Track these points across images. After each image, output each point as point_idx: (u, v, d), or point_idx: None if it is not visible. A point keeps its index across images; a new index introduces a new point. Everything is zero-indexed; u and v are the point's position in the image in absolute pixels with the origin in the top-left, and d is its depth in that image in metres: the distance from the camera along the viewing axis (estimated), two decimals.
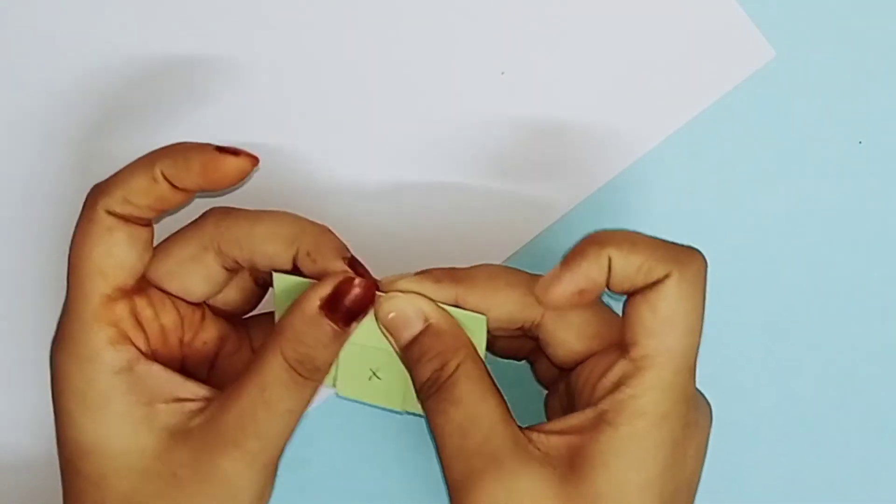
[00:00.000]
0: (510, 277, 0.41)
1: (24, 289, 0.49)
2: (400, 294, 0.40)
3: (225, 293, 0.43)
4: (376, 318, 0.40)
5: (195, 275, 0.41)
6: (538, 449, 0.38)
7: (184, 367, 0.42)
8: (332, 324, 0.39)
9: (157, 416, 0.39)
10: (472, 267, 0.41)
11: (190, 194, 0.40)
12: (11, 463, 0.49)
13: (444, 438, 0.39)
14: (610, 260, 0.38)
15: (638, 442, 0.37)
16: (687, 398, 0.38)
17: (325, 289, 0.39)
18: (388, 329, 0.40)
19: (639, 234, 0.39)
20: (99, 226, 0.39)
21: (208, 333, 0.43)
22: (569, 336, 0.40)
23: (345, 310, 0.39)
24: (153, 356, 0.41)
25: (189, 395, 0.40)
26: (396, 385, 0.42)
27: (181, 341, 0.42)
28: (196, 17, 0.48)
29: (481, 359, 0.40)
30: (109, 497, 0.39)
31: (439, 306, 0.40)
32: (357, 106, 0.48)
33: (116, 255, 0.40)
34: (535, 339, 0.41)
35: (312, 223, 0.41)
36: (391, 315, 0.40)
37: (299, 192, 0.47)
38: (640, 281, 0.38)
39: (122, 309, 0.40)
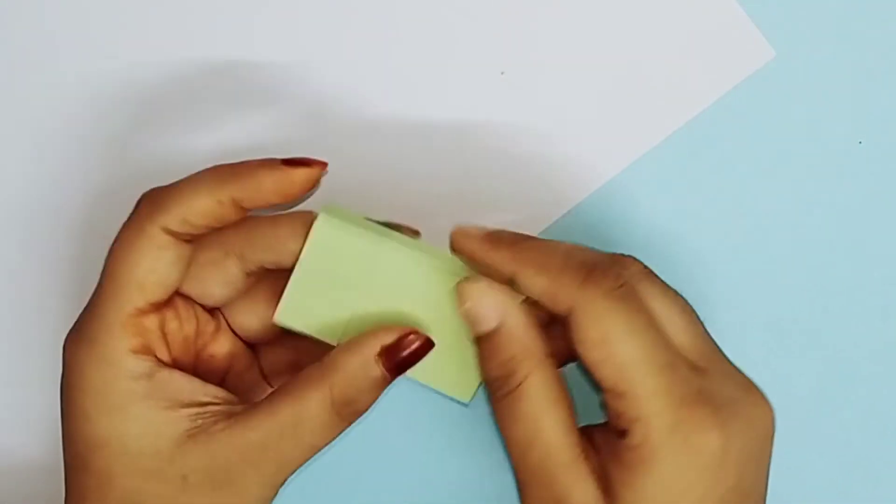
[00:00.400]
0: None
1: (31, 296, 0.48)
2: (482, 284, 0.39)
3: (245, 319, 0.43)
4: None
5: (215, 279, 0.41)
6: (593, 462, 0.38)
7: (195, 374, 0.42)
8: (387, 372, 0.39)
9: (177, 421, 0.39)
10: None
11: (250, 211, 0.40)
12: (15, 466, 0.49)
13: (509, 446, 0.39)
14: (515, 275, 0.38)
15: (656, 459, 0.37)
16: (692, 395, 0.37)
17: (389, 337, 0.39)
18: (464, 318, 0.40)
19: (556, 250, 0.39)
20: (150, 241, 0.39)
21: (218, 347, 0.43)
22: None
23: (400, 360, 0.39)
24: (173, 364, 0.41)
25: (210, 399, 0.40)
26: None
27: (196, 350, 0.42)
28: (213, 21, 0.48)
29: (552, 365, 0.39)
30: (113, 494, 0.39)
31: (520, 305, 0.39)
32: (356, 106, 0.48)
33: (160, 272, 0.39)
34: None
35: None
36: (467, 305, 0.40)
37: None
38: (547, 305, 0.38)
39: (150, 322, 0.40)
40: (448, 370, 0.42)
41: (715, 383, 0.38)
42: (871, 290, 0.48)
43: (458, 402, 0.42)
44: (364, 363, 0.39)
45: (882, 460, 0.48)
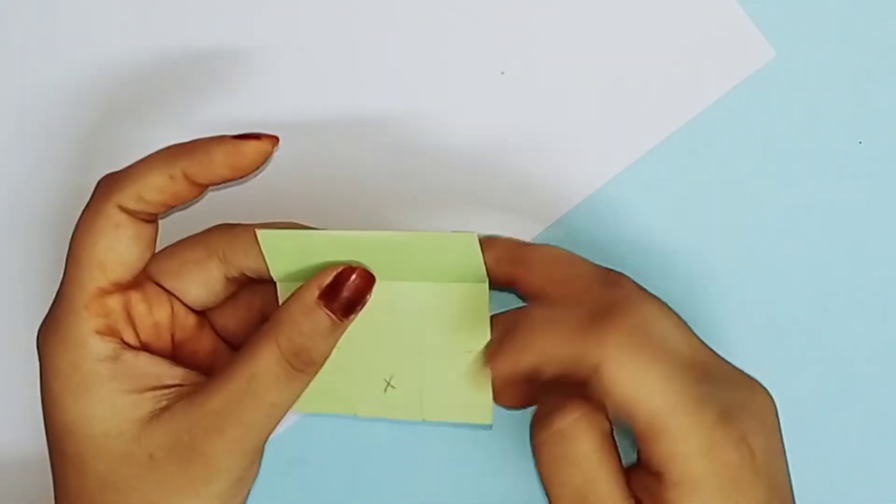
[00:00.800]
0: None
1: (19, 288, 0.49)
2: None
3: (228, 322, 0.43)
4: None
5: (195, 278, 0.42)
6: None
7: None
8: (331, 314, 0.39)
9: (141, 403, 0.39)
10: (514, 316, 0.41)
11: (206, 188, 0.41)
12: (8, 461, 0.49)
13: (559, 496, 0.38)
14: (537, 368, 0.38)
15: (702, 489, 0.37)
16: (714, 423, 0.37)
17: (325, 278, 0.39)
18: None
19: (553, 321, 0.38)
20: (107, 220, 0.40)
21: (200, 345, 0.43)
22: None
23: (343, 299, 0.39)
24: (143, 347, 0.41)
25: (177, 381, 0.40)
26: (413, 393, 0.42)
27: (173, 338, 0.42)
28: (195, 9, 0.48)
29: (605, 414, 0.39)
30: (88, 478, 0.39)
31: None
32: (355, 105, 0.48)
33: (119, 250, 0.40)
34: None
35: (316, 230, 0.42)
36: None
37: (296, 191, 0.47)
38: (577, 372, 0.38)
39: (114, 302, 0.40)
40: (460, 397, 0.41)
41: (725, 391, 0.39)
42: (871, 290, 0.48)
43: (482, 426, 0.42)
44: (306, 309, 0.39)
45: (882, 460, 0.48)
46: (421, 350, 0.41)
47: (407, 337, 0.41)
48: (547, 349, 0.38)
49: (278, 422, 0.40)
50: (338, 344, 0.40)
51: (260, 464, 0.41)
